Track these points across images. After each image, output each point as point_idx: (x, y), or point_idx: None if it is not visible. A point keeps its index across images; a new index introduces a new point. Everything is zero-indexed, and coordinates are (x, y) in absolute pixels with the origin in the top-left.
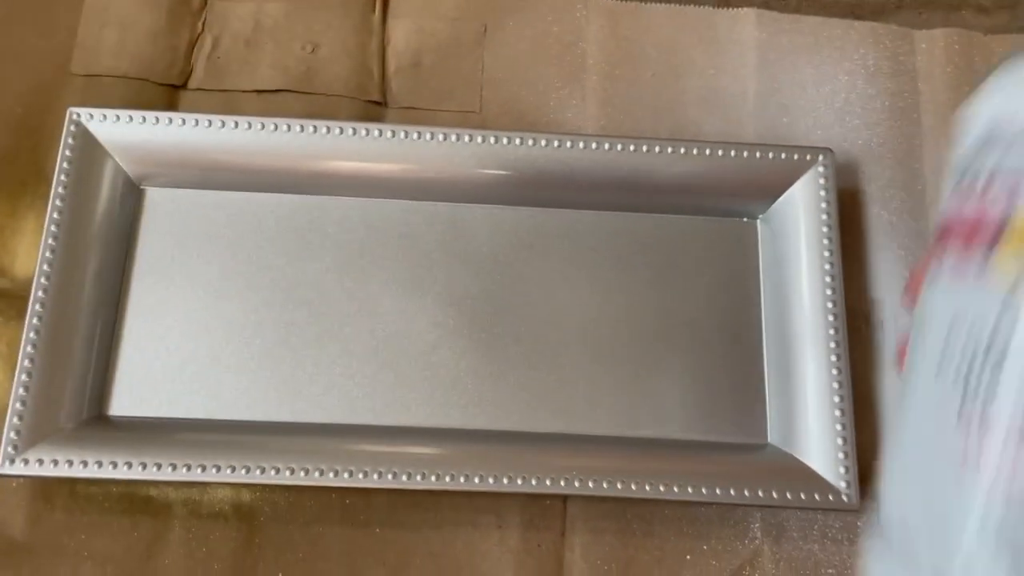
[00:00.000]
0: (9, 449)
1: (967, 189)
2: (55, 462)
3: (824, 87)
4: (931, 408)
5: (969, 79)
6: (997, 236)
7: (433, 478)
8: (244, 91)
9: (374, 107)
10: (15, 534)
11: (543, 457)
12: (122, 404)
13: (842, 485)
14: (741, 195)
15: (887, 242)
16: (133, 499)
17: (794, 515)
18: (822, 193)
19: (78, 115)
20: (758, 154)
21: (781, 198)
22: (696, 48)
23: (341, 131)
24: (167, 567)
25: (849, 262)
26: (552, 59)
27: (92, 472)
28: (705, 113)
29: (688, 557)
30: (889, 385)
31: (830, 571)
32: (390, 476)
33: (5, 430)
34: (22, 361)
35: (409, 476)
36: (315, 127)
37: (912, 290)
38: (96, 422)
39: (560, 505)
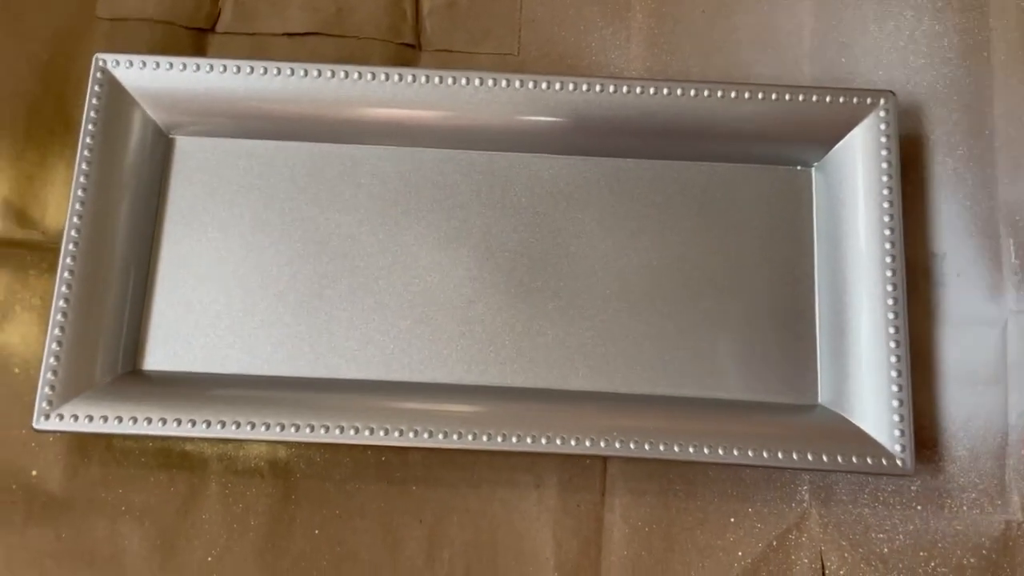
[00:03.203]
0: (44, 404)
1: None
2: (90, 418)
3: (887, 24)
4: None
5: None
6: None
7: (470, 437)
8: (273, 34)
9: (407, 50)
10: (53, 488)
11: (582, 416)
12: (156, 358)
13: (897, 449)
14: (795, 141)
15: (951, 192)
16: (170, 454)
17: (844, 478)
18: (883, 140)
19: (104, 61)
20: (814, 97)
21: (838, 145)
22: None
23: (373, 76)
24: (204, 521)
25: (909, 213)
26: None
27: (127, 428)
28: (758, 53)
29: (732, 520)
30: (949, 343)
31: (880, 536)
32: (426, 435)
33: (40, 385)
34: (54, 315)
35: (445, 435)
36: (346, 72)
37: None
38: (131, 377)
39: (600, 465)
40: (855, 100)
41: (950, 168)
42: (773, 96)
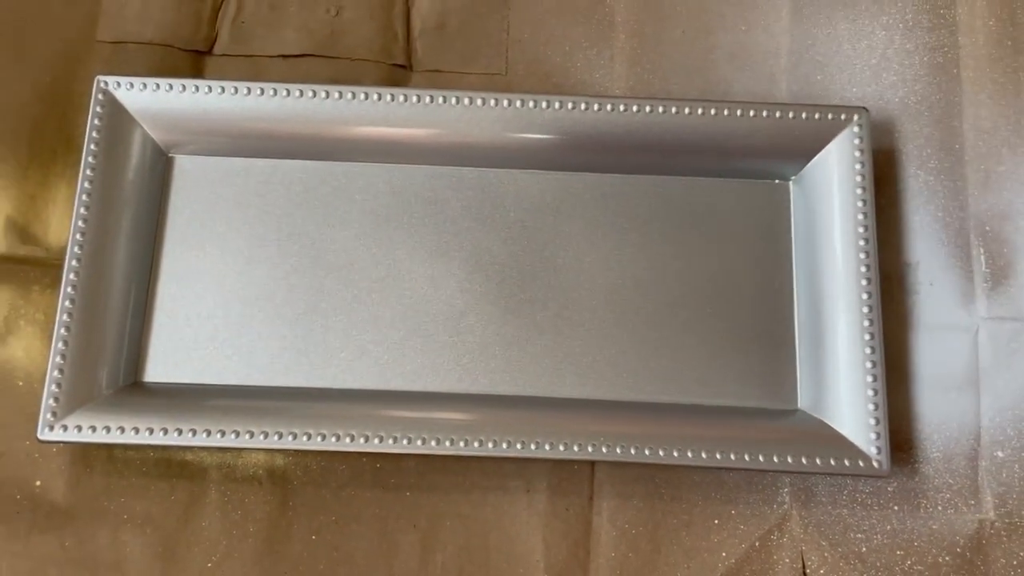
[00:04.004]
0: (48, 416)
1: None
2: (93, 428)
3: (860, 43)
4: None
5: (1012, 33)
6: None
7: (462, 444)
8: (269, 56)
9: (399, 71)
10: (57, 498)
11: (571, 422)
12: (157, 371)
13: (873, 451)
14: (773, 156)
15: (924, 204)
16: (170, 463)
17: (823, 480)
18: (857, 154)
19: (105, 83)
20: (791, 114)
21: (814, 159)
22: (727, 3)
23: (366, 96)
24: (204, 528)
25: (884, 224)
26: (579, 17)
27: (129, 438)
28: (736, 71)
29: (716, 521)
30: (923, 349)
31: (859, 536)
32: (419, 442)
33: (44, 397)
34: (58, 329)
35: (438, 442)
36: (340, 93)
37: None
38: (132, 389)
39: (588, 470)
40: (830, 116)
41: (922, 181)
42: (751, 113)
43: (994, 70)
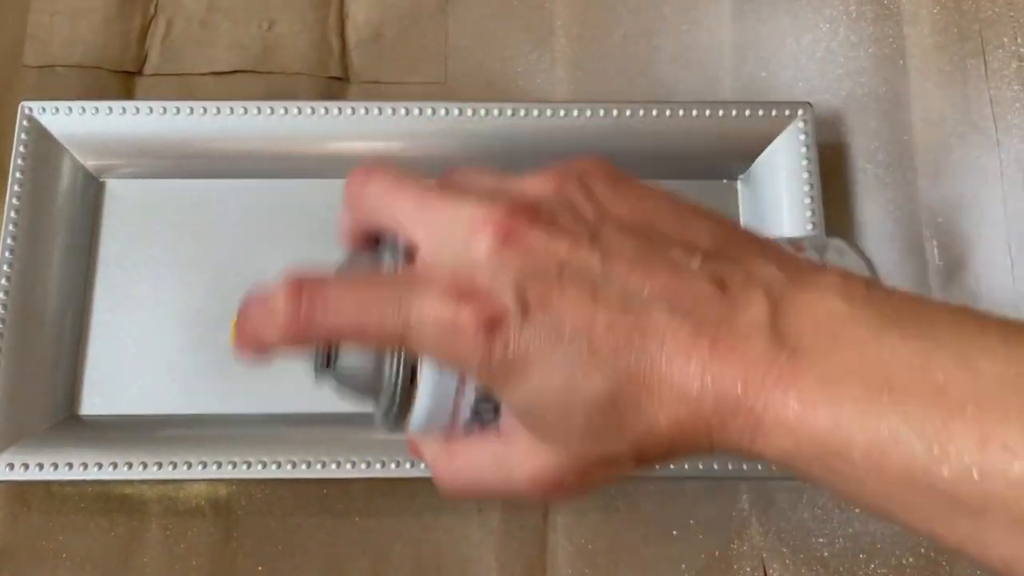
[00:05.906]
0: None
1: None
2: (26, 466)
3: (804, 37)
4: None
5: (957, 20)
6: None
7: (409, 465)
8: (201, 74)
9: (336, 83)
10: None
11: None
12: (94, 403)
13: None
14: (719, 156)
15: (874, 197)
16: (109, 498)
17: (782, 485)
18: (803, 149)
19: (30, 109)
20: (734, 112)
21: (760, 157)
22: (668, 3)
23: (300, 111)
24: (146, 565)
25: (834, 220)
26: (519, 23)
27: (65, 475)
28: (680, 71)
29: (675, 532)
30: None
31: (821, 540)
32: (364, 465)
33: None
34: None
35: (384, 464)
36: (272, 108)
37: None
38: (69, 423)
39: None
40: (773, 113)
41: (871, 174)
42: (694, 113)
43: (940, 59)
